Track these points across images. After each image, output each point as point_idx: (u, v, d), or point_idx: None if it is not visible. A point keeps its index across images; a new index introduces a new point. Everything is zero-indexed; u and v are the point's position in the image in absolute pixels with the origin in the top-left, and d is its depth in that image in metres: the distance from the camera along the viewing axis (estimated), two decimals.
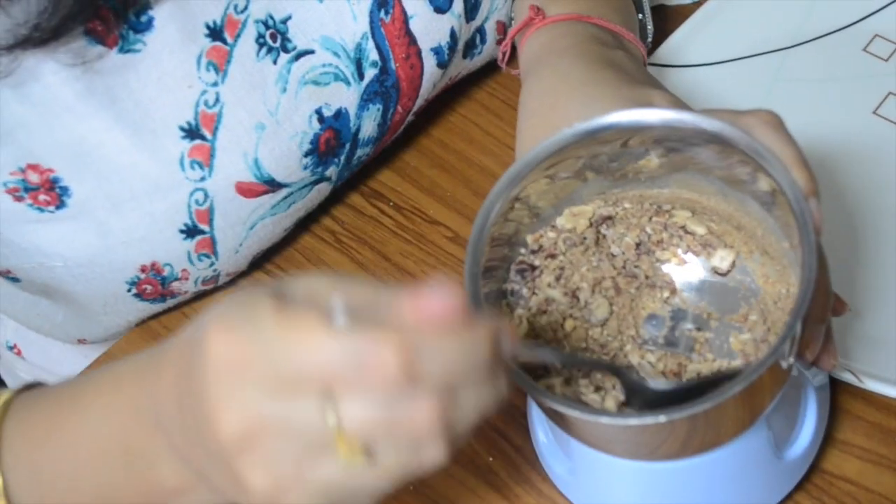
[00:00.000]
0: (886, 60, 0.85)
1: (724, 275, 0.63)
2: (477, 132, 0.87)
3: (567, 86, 0.68)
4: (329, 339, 0.44)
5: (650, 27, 0.81)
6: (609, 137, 0.60)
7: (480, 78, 0.88)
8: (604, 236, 0.64)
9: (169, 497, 0.52)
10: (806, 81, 0.85)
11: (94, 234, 0.69)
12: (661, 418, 0.53)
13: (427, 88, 0.80)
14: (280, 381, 0.45)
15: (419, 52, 0.77)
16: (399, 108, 0.79)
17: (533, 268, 0.63)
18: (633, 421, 0.55)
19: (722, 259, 0.63)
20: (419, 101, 0.80)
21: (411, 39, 0.77)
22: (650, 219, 0.64)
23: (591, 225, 0.64)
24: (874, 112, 0.83)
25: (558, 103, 0.67)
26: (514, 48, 0.77)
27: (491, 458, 0.72)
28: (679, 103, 0.66)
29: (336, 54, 0.74)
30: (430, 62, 0.78)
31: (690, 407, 0.53)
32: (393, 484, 0.47)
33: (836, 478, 0.69)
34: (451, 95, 0.88)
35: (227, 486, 0.48)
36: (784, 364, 0.55)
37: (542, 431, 0.67)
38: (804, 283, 0.53)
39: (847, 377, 0.70)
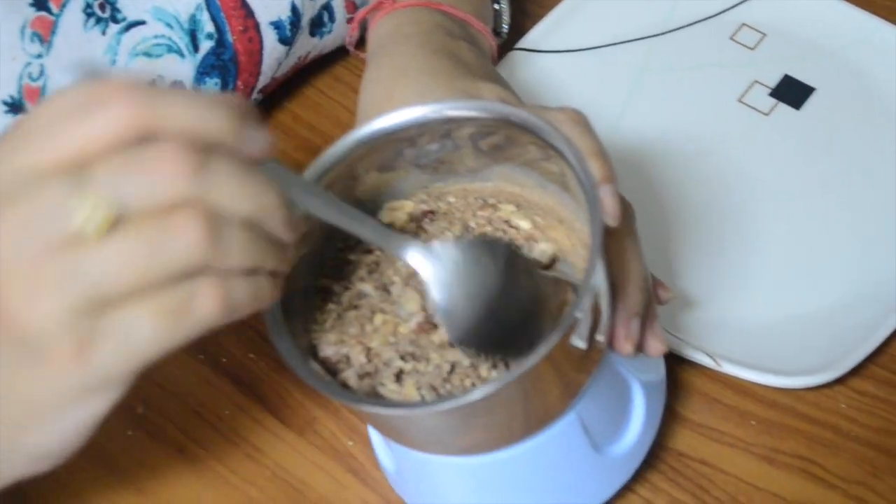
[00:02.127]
0: (753, 49, 0.86)
1: (546, 268, 0.63)
2: (344, 114, 0.86)
3: (404, 75, 0.68)
4: (55, 99, 0.43)
5: (506, 17, 0.81)
6: (421, 130, 0.59)
7: (344, 56, 0.87)
8: (425, 231, 0.63)
9: None
10: (674, 69, 0.85)
11: None
12: (435, 407, 0.52)
13: (270, 65, 0.78)
14: (13, 169, 0.43)
15: (257, 26, 0.76)
16: (239, 84, 0.77)
17: (348, 262, 0.62)
18: (401, 412, 0.54)
19: (542, 253, 0.62)
20: (262, 79, 0.79)
21: (248, 12, 0.76)
22: (475, 213, 0.63)
23: (411, 220, 0.63)
24: (739, 100, 0.83)
25: (395, 92, 0.67)
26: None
27: (350, 442, 0.71)
28: (512, 97, 0.66)
29: (169, 25, 0.73)
30: (270, 37, 0.77)
31: (470, 394, 0.52)
32: (137, 274, 0.43)
33: (692, 460, 0.69)
34: (315, 75, 0.87)
35: None
36: (578, 344, 0.53)
37: (372, 428, 0.67)
38: (588, 268, 0.52)
39: (705, 360, 0.70)
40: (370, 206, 0.62)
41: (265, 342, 0.74)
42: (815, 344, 0.72)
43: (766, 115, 0.83)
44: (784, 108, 0.83)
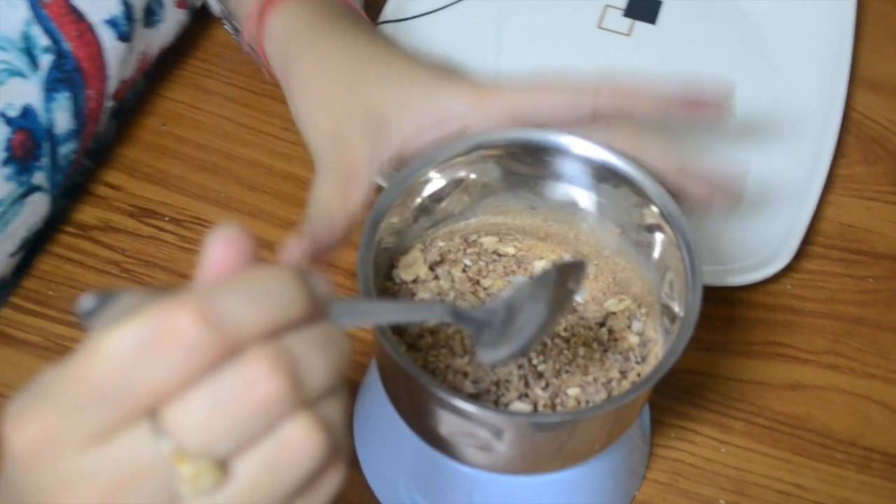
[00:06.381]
0: None
1: None
2: (229, 125, 0.84)
3: (360, 64, 0.66)
4: (109, 340, 0.36)
5: None
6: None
7: (212, 69, 0.86)
8: (438, 279, 0.65)
9: None
10: (531, 11, 0.88)
11: None
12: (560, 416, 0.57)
13: (115, 66, 0.76)
14: (90, 428, 0.37)
15: (91, 27, 0.73)
16: (91, 93, 0.74)
17: None
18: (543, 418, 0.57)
19: (542, 269, 0.65)
20: (111, 83, 0.76)
21: (78, 16, 0.72)
22: (465, 252, 0.65)
23: (430, 269, 0.64)
24: (599, 26, 0.87)
25: (356, 85, 0.65)
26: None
27: None
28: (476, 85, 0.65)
29: (3, 48, 0.69)
30: (107, 35, 0.74)
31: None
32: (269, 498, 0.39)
33: (678, 371, 0.74)
34: (189, 92, 0.85)
35: None
36: None
37: (417, 493, 0.66)
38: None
39: None
40: (383, 262, 0.63)
41: None
42: (749, 239, 0.77)
43: (627, 35, 0.87)
44: (642, 25, 0.87)
